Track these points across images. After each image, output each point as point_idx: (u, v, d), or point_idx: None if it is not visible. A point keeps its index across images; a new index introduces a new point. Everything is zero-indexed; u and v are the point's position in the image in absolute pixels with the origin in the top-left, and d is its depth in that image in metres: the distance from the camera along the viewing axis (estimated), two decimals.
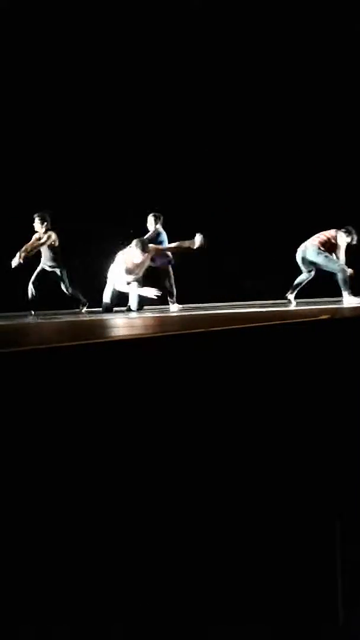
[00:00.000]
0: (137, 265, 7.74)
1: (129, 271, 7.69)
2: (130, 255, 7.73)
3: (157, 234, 8.44)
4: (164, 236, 8.45)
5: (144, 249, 7.66)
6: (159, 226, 8.47)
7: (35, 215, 8.47)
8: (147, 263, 7.90)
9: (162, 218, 8.53)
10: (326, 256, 7.67)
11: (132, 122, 10.25)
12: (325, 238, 7.75)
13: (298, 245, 7.95)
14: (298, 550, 2.50)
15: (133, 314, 7.41)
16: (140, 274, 7.84)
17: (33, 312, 8.21)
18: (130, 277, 7.71)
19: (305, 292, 8.15)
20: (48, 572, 1.77)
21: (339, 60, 10.29)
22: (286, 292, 8.02)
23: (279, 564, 2.40)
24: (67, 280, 8.38)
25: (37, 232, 8.43)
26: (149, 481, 2.07)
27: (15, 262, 8.22)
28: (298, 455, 2.81)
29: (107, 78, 10.08)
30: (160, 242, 8.40)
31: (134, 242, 7.75)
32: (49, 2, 9.66)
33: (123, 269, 7.70)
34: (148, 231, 8.48)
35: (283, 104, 10.43)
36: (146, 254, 7.72)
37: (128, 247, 7.83)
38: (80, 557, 1.84)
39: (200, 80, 10.39)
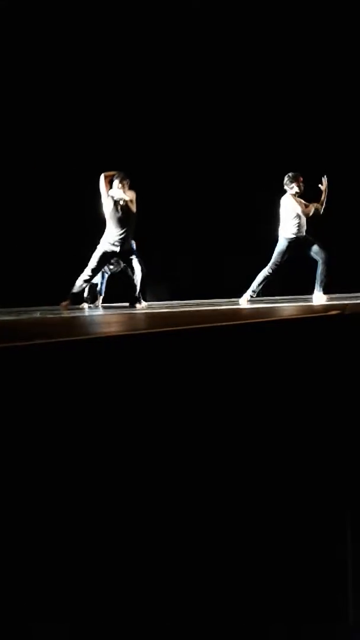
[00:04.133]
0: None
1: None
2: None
3: None
4: None
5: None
6: None
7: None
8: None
9: None
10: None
11: (129, 122, 10.24)
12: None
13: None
14: (307, 545, 2.46)
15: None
16: None
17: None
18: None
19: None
20: (47, 568, 1.74)
21: (338, 62, 10.24)
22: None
23: (288, 560, 2.36)
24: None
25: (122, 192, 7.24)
26: (163, 474, 2.05)
27: None
28: (307, 447, 2.78)
29: (107, 78, 10.07)
30: None
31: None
32: (50, 1, 9.66)
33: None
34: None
35: (282, 105, 10.40)
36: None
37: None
38: (78, 553, 1.81)
39: (198, 81, 10.37)
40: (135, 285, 7.66)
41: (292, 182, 7.33)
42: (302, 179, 7.38)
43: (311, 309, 5.70)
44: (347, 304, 5.64)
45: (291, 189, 7.33)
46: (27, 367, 1.89)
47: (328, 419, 2.98)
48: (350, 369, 3.15)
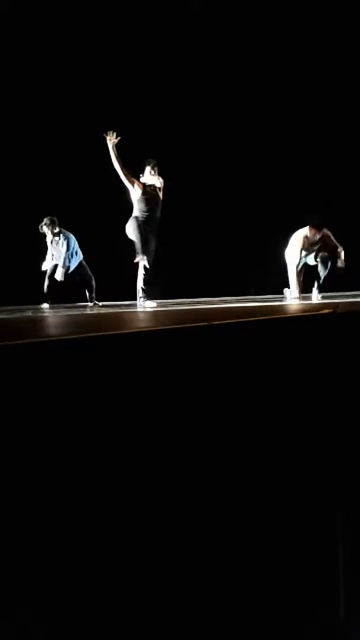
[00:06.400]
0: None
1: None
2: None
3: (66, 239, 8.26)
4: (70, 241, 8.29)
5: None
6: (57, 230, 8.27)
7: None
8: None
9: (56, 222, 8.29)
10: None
11: (130, 121, 10.26)
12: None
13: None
14: (298, 544, 2.47)
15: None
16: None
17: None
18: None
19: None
20: (45, 566, 1.74)
21: (338, 62, 10.28)
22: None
23: (279, 558, 2.37)
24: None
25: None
26: (152, 472, 2.05)
27: None
28: (299, 446, 2.79)
29: (107, 81, 10.08)
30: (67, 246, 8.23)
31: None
32: (50, 0, 9.67)
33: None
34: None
35: (282, 104, 10.44)
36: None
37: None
38: (76, 553, 1.82)
39: (198, 81, 10.38)
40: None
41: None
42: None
43: (303, 307, 5.71)
44: (339, 303, 5.66)
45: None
46: (17, 366, 1.89)
47: (319, 417, 2.99)
48: (340, 368, 3.17)
